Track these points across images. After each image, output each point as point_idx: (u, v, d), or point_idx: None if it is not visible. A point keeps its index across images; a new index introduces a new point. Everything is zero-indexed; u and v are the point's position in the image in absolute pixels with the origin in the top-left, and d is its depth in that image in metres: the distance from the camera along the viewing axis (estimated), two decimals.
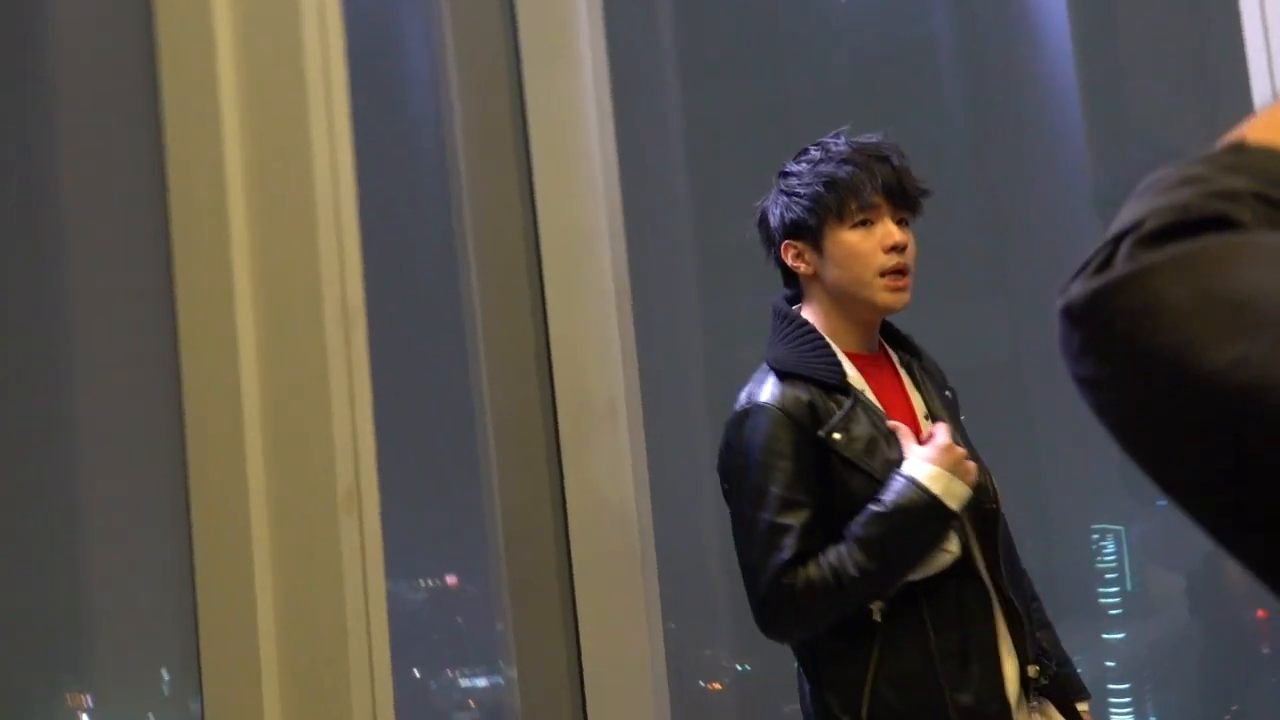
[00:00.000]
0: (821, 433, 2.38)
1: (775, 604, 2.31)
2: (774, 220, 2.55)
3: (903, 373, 2.58)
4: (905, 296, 2.49)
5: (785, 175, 2.54)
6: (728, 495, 2.51)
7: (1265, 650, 4.52)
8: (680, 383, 4.13)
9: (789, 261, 2.55)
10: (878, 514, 2.31)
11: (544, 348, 3.06)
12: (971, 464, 2.36)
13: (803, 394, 2.42)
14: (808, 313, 2.54)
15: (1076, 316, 0.92)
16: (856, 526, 2.32)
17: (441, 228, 3.10)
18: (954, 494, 2.31)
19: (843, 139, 2.53)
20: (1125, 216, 0.94)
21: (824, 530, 2.38)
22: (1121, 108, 4.66)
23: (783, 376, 2.45)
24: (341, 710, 2.14)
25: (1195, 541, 4.53)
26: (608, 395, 3.03)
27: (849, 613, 2.35)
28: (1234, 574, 4.50)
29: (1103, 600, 4.75)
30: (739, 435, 2.44)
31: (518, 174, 3.07)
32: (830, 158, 2.50)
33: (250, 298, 2.17)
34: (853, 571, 2.28)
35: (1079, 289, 0.92)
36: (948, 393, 2.58)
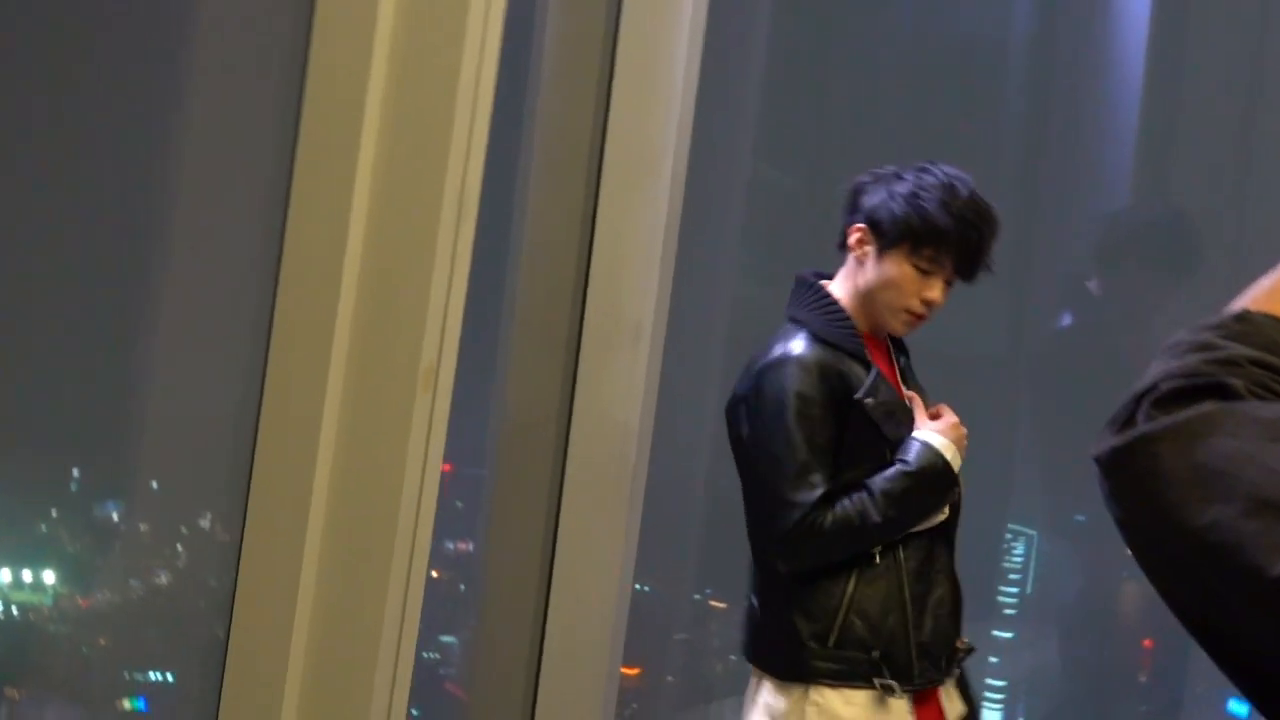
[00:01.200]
0: (857, 395, 2.52)
1: (802, 537, 2.47)
2: (865, 201, 2.64)
3: (891, 355, 2.74)
4: (910, 330, 2.68)
5: (901, 178, 2.60)
6: (743, 439, 2.60)
7: (1142, 679, 4.79)
8: (703, 322, 4.21)
9: (851, 239, 2.65)
10: (904, 472, 2.51)
11: (585, 259, 3.11)
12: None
13: (831, 358, 2.55)
14: (836, 285, 2.66)
15: (1104, 468, 1.11)
16: (883, 480, 2.50)
17: (512, 124, 3.11)
18: (959, 464, 2.52)
19: (967, 189, 2.58)
20: (1146, 377, 1.13)
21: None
22: (1170, 162, 4.81)
23: (813, 339, 2.57)
24: (380, 571, 2.21)
25: (1103, 561, 4.76)
26: (636, 319, 3.10)
27: (860, 552, 2.51)
28: (1130, 600, 4.75)
29: (1001, 598, 4.97)
30: (772, 382, 2.53)
31: (597, 89, 3.10)
32: (945, 200, 2.55)
33: (372, 170, 2.19)
34: (876, 518, 2.47)
35: (1106, 444, 1.11)
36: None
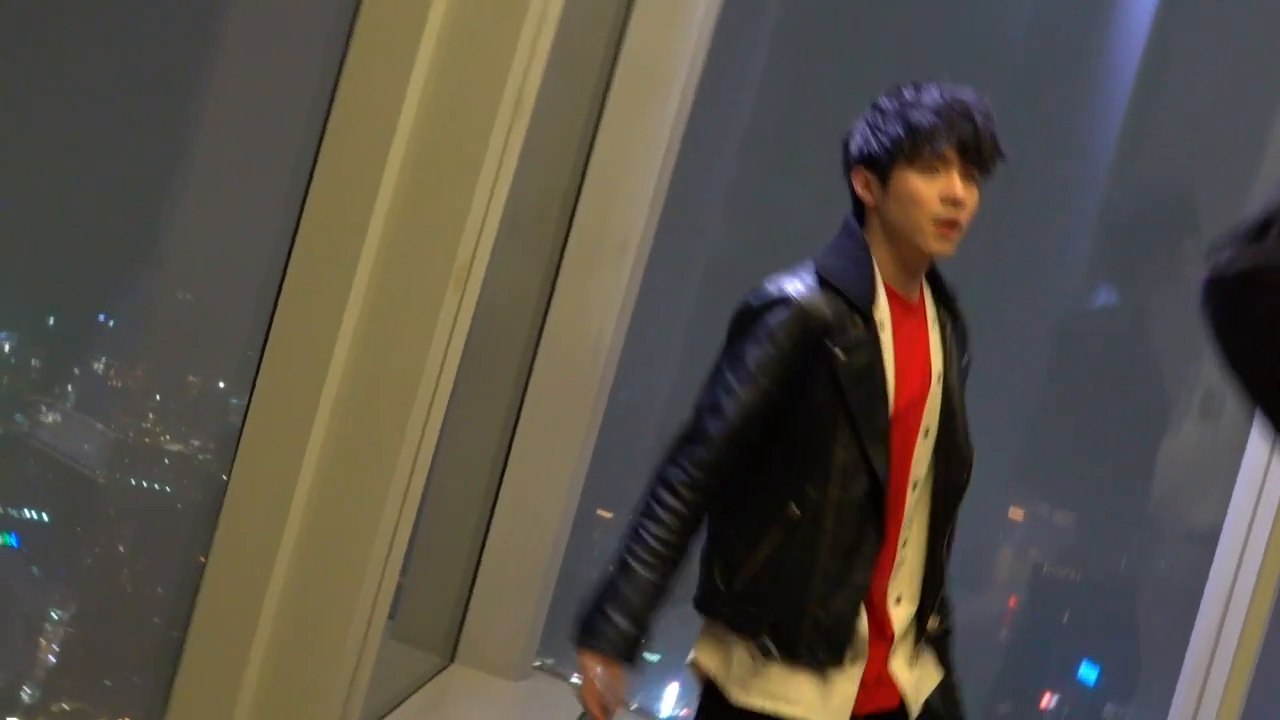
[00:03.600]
0: (828, 341, 2.46)
1: (671, 475, 2.41)
2: (853, 147, 2.61)
3: (933, 330, 2.70)
4: (950, 247, 2.57)
5: (875, 108, 2.58)
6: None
7: (1003, 634, 4.98)
8: (684, 251, 4.19)
9: (857, 188, 2.62)
10: (615, 596, 2.38)
11: (580, 171, 3.09)
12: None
13: (828, 305, 2.50)
14: (870, 238, 2.63)
15: (1233, 284, 1.15)
16: (639, 580, 2.38)
17: None
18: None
19: (936, 88, 2.58)
20: (1271, 203, 1.17)
21: (763, 423, 2.50)
22: (1159, 144, 4.88)
23: (820, 282, 2.54)
24: (393, 439, 2.21)
25: (981, 524, 4.90)
26: (622, 235, 3.10)
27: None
28: (1002, 561, 4.93)
29: None
30: (756, 313, 2.48)
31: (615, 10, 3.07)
32: (918, 103, 2.55)
33: (431, 64, 2.15)
34: (628, 553, 2.38)
35: (1231, 261, 1.15)
36: (966, 358, 2.73)
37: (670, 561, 2.39)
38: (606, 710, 2.38)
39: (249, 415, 2.25)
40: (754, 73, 4.20)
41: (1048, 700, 5.06)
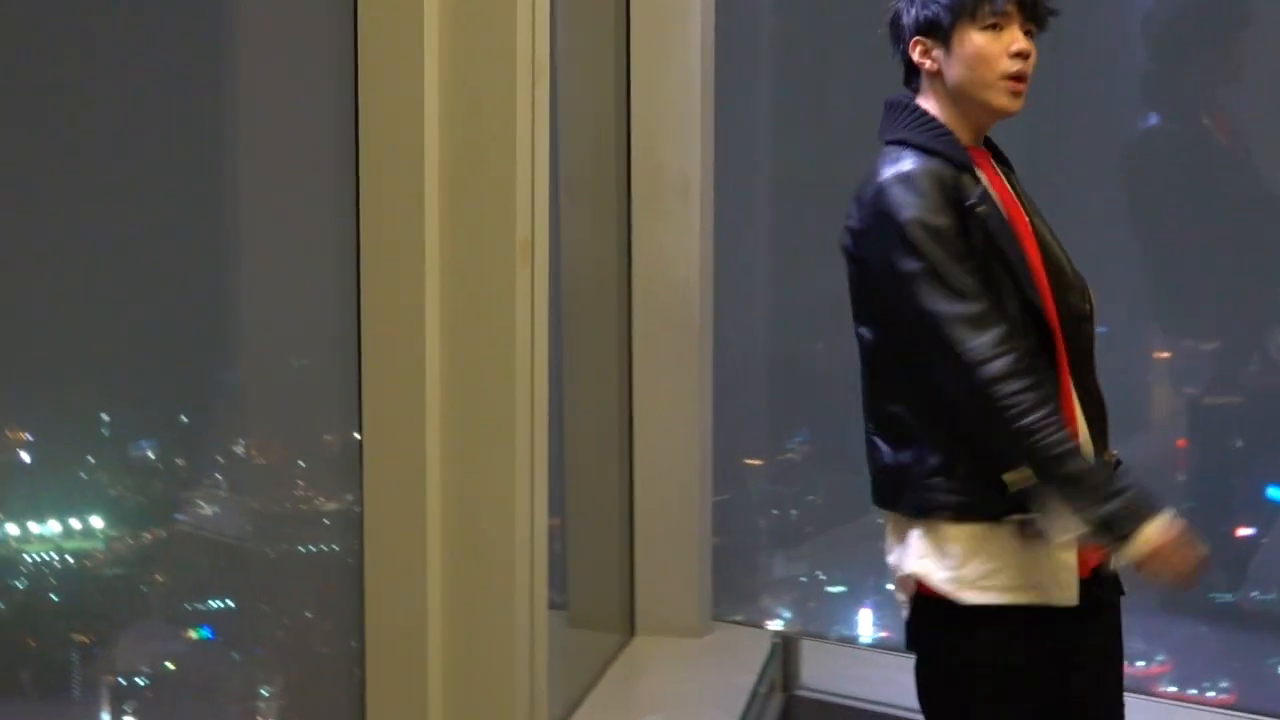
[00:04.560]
0: (969, 203, 2.43)
1: (996, 344, 2.32)
2: (907, 17, 2.59)
3: (1003, 179, 2.66)
4: (1020, 102, 2.56)
5: None
6: (871, 262, 2.47)
7: (1179, 478, 4.85)
8: (748, 167, 4.15)
9: (915, 57, 2.59)
10: (1100, 483, 2.32)
11: (625, 118, 3.06)
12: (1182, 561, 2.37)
13: (944, 168, 2.48)
14: (926, 106, 2.59)
15: None
16: (1080, 449, 2.35)
17: None
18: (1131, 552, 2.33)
19: None
20: None
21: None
22: None
23: (921, 153, 2.49)
24: (505, 436, 2.20)
25: (1123, 369, 4.78)
26: (681, 172, 3.07)
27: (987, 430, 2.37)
28: (1160, 404, 4.80)
29: None
30: (892, 205, 2.41)
31: None
32: None
33: (439, 43, 2.14)
34: (1046, 434, 2.30)
35: None
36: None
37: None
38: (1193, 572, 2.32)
39: (364, 450, 2.27)
40: None
41: (1241, 533, 4.93)
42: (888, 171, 2.45)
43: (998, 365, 2.33)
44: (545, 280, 2.24)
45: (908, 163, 2.45)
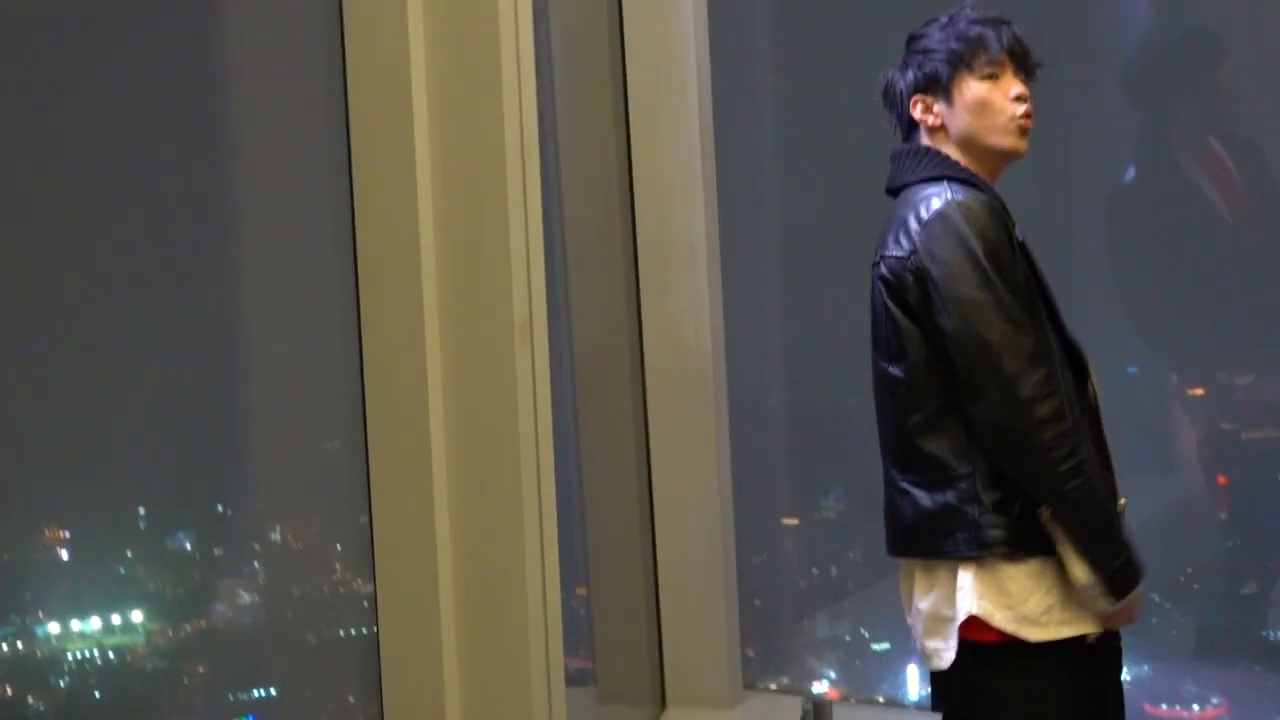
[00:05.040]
0: (1016, 235, 2.45)
1: (1035, 363, 2.35)
2: (904, 80, 2.63)
3: None
4: (1026, 143, 2.59)
5: (915, 39, 2.65)
6: (926, 285, 2.43)
7: (1222, 515, 4.78)
8: (754, 226, 4.17)
9: (917, 115, 2.63)
10: (1118, 541, 2.40)
11: (628, 187, 3.08)
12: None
13: (994, 200, 2.50)
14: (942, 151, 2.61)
15: None
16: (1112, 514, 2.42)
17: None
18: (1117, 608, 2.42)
19: (968, 8, 2.62)
20: None
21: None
22: None
23: (964, 185, 2.50)
24: (514, 513, 2.20)
25: (1162, 411, 4.75)
26: (688, 238, 3.08)
27: (1035, 471, 2.38)
28: (1198, 442, 4.74)
29: None
30: (947, 229, 2.40)
31: (609, 8, 3.06)
32: (959, 20, 2.62)
33: (429, 130, 2.16)
34: (1077, 460, 2.35)
35: None
36: None
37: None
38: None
39: (375, 535, 2.28)
40: (761, 40, 4.17)
41: None
42: (943, 199, 2.46)
43: (1047, 406, 2.35)
44: (545, 358, 2.25)
45: (960, 193, 2.47)
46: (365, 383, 2.21)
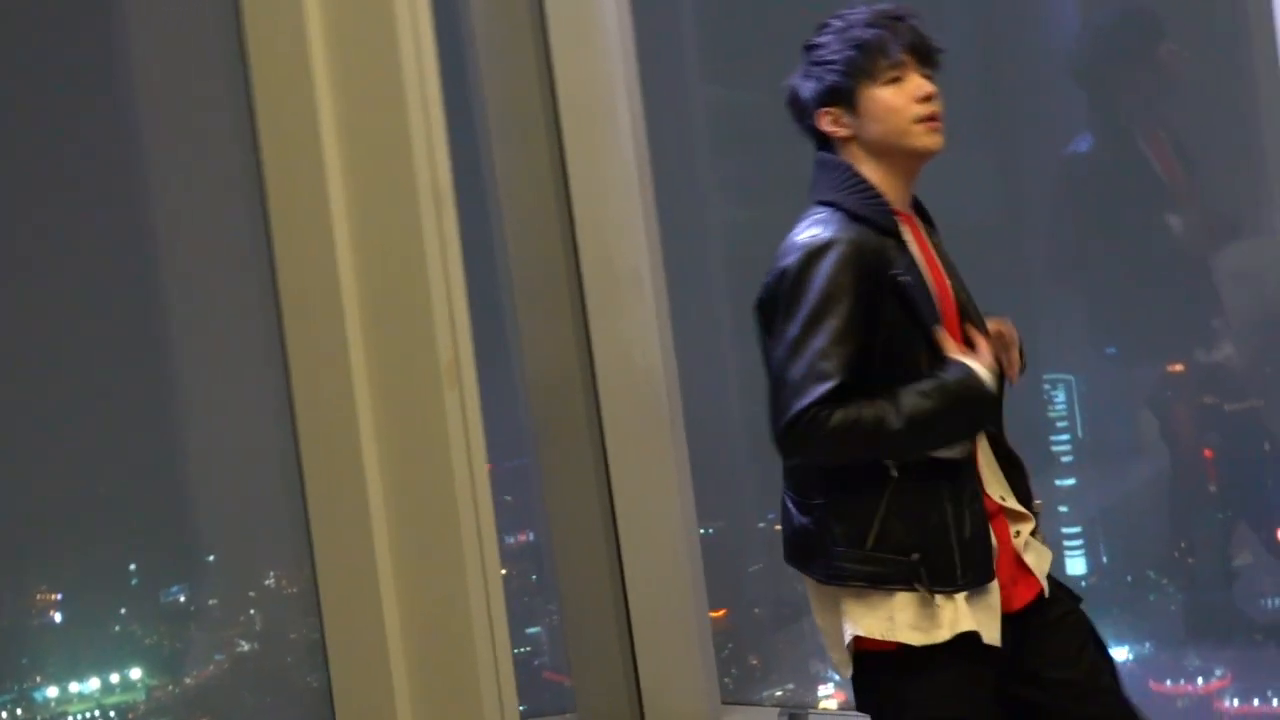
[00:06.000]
0: (893, 272, 2.44)
1: (807, 427, 2.35)
2: (807, 92, 2.62)
3: (926, 238, 2.67)
4: (939, 139, 2.59)
5: (812, 48, 2.62)
6: (770, 324, 2.50)
7: (1211, 488, 4.77)
8: (697, 247, 4.19)
9: (826, 128, 2.61)
10: (942, 388, 2.41)
11: (568, 222, 3.10)
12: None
13: (871, 236, 2.49)
14: (856, 167, 2.61)
15: None
16: (914, 393, 2.40)
17: (460, 101, 3.10)
18: (994, 387, 2.47)
19: (861, 8, 2.61)
20: None
21: (859, 370, 2.44)
22: None
23: (847, 217, 2.51)
24: (456, 570, 2.21)
25: (1141, 389, 4.75)
26: (632, 263, 3.09)
27: (864, 462, 2.43)
28: (1182, 418, 4.74)
29: (1055, 448, 4.93)
30: (807, 267, 2.41)
31: (534, 45, 3.08)
32: (854, 24, 2.59)
33: (342, 180, 2.18)
34: (895, 425, 2.36)
35: None
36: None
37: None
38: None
39: (319, 583, 2.29)
40: (691, 59, 4.19)
41: None
42: (809, 233, 2.47)
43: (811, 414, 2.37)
44: (476, 398, 2.27)
45: (831, 226, 2.47)
46: (298, 436, 2.23)
